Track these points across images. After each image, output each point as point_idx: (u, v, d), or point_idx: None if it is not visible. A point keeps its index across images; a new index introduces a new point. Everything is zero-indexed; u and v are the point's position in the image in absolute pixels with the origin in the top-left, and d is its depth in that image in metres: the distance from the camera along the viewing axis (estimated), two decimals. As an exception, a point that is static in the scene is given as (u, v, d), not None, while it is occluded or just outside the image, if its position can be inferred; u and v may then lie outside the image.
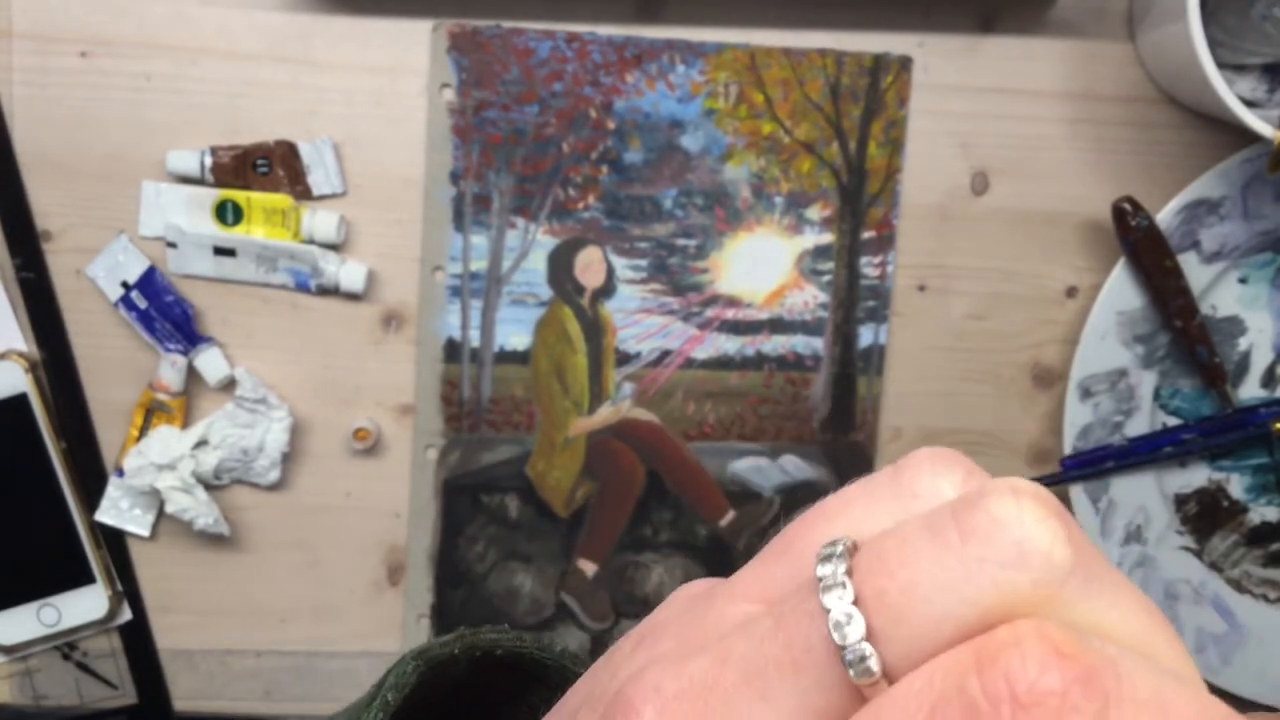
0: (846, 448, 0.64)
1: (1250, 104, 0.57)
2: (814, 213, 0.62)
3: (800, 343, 0.63)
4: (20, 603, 0.62)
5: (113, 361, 0.62)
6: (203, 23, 0.61)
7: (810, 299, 0.63)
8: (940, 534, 0.17)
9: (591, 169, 0.62)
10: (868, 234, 0.63)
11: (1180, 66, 0.57)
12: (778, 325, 0.63)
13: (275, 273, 0.62)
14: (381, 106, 0.61)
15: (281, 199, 0.61)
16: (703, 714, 0.18)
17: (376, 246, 0.62)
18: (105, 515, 0.62)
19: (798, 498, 0.64)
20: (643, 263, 0.62)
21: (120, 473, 0.62)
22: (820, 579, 0.18)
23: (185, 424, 0.62)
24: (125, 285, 0.61)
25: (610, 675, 0.20)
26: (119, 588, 0.64)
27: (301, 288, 0.62)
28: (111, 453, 0.63)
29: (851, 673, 0.17)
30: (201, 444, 0.61)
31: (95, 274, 0.62)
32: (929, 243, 0.63)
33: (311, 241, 0.61)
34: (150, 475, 0.60)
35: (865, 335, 0.63)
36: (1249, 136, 0.55)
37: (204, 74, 0.61)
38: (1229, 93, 0.54)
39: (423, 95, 0.61)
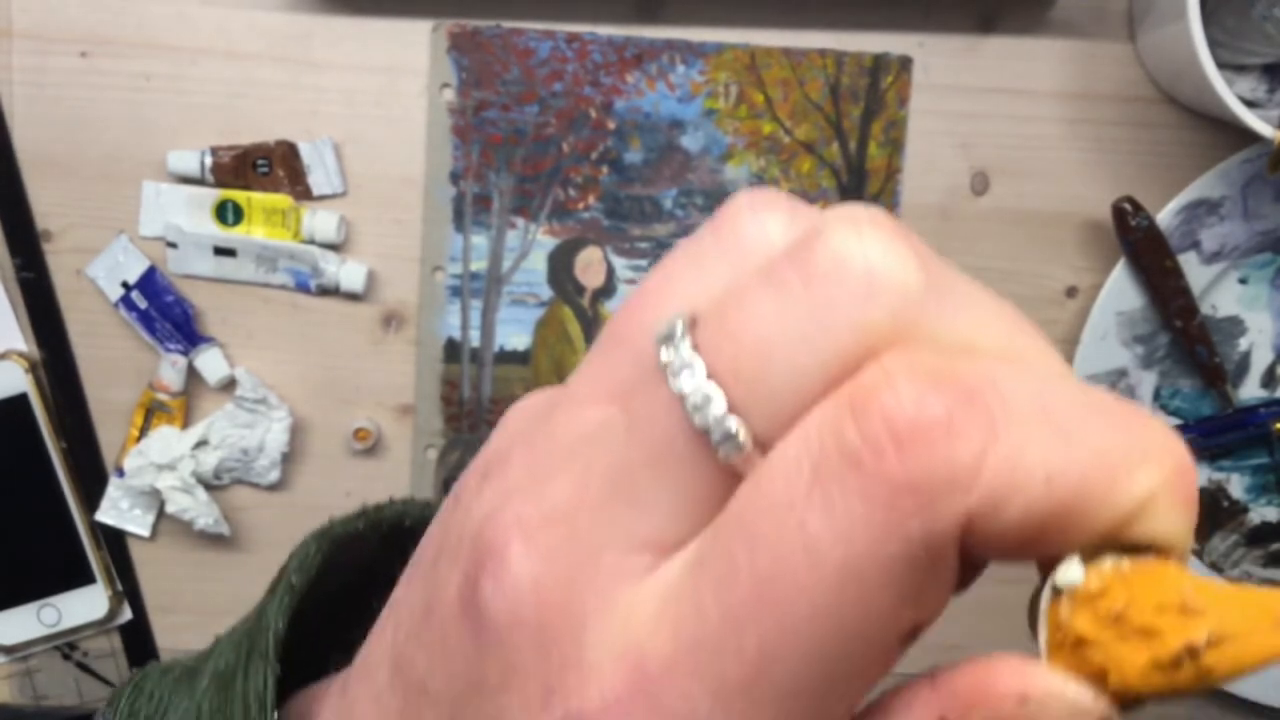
0: (846, 448, 0.64)
1: (1250, 104, 0.57)
2: (814, 213, 0.62)
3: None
4: (20, 603, 0.62)
5: (113, 361, 0.62)
6: (203, 23, 0.61)
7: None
8: (782, 284, 0.16)
9: (591, 169, 0.62)
10: (868, 234, 0.62)
11: (1180, 66, 0.57)
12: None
13: (275, 273, 0.62)
14: (381, 106, 0.61)
15: (281, 199, 0.61)
16: (573, 538, 0.16)
17: (376, 246, 0.62)
18: (105, 515, 0.62)
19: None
20: (643, 263, 0.62)
21: (120, 473, 0.62)
22: (665, 364, 0.16)
23: (185, 424, 0.62)
24: (125, 285, 0.61)
25: (463, 516, 0.18)
26: (119, 588, 0.64)
27: (301, 288, 0.62)
28: (111, 453, 0.63)
29: (721, 452, 0.16)
30: (201, 444, 0.61)
31: (95, 274, 0.62)
32: (929, 242, 0.63)
33: (311, 241, 0.61)
34: (150, 475, 0.60)
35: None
36: (1249, 136, 0.55)
37: (204, 74, 0.61)
38: (1229, 93, 0.54)
39: (423, 95, 0.61)
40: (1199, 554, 0.65)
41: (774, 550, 0.15)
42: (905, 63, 0.62)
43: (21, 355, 0.61)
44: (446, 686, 0.18)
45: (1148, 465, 0.15)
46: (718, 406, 0.15)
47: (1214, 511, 0.65)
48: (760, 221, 0.17)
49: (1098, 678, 0.15)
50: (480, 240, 0.62)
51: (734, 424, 0.15)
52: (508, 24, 0.61)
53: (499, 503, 0.17)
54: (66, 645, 0.64)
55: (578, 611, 0.16)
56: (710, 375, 0.16)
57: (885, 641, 0.15)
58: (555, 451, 0.17)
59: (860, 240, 0.16)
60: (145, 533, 0.63)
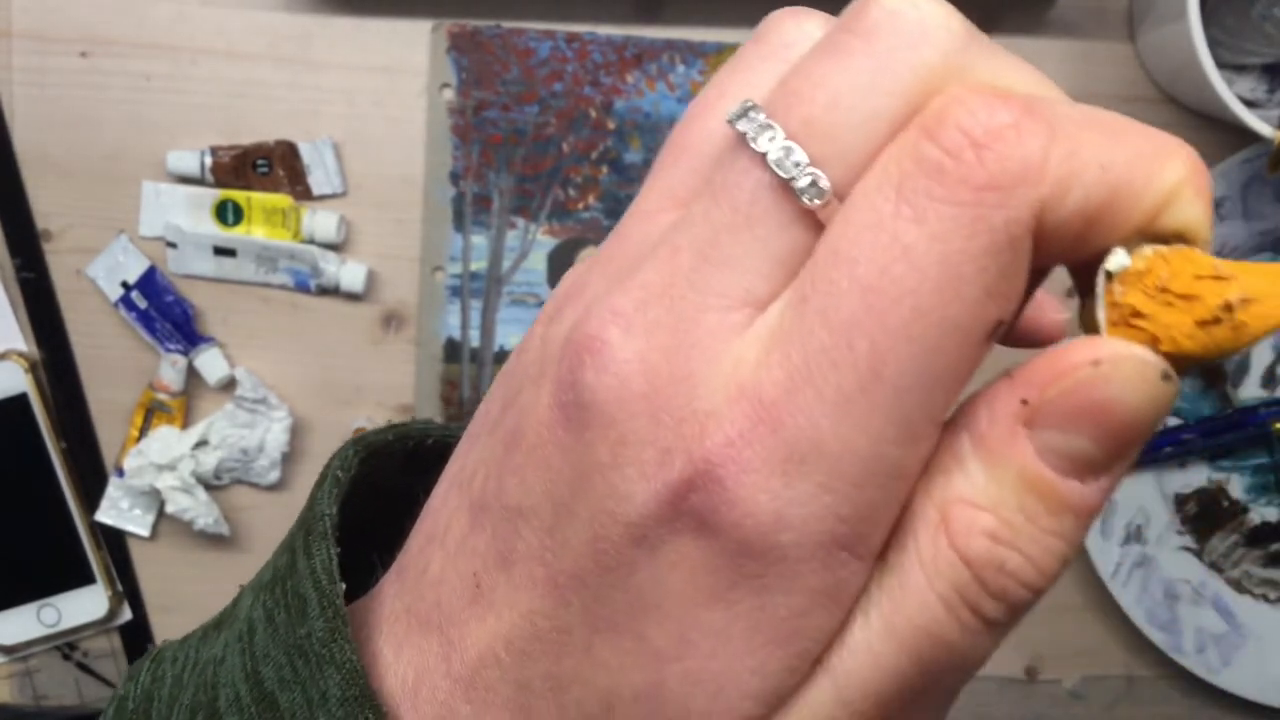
0: (846, 448, 0.64)
1: (1250, 104, 0.57)
2: (814, 213, 0.62)
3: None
4: (20, 603, 0.62)
5: (113, 361, 0.62)
6: (203, 23, 0.61)
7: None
8: (841, 47, 0.17)
9: (591, 169, 0.62)
10: (868, 234, 0.62)
11: (1180, 66, 0.57)
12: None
13: (275, 273, 0.62)
14: (381, 106, 0.61)
15: (281, 199, 0.61)
16: (671, 309, 0.17)
17: (376, 246, 0.62)
18: (105, 515, 0.62)
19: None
20: (643, 263, 0.62)
21: (120, 473, 0.62)
22: (743, 133, 0.17)
23: (185, 424, 0.62)
24: (125, 285, 0.61)
25: (539, 346, 0.19)
26: (119, 588, 0.64)
27: (301, 288, 0.62)
28: (111, 453, 0.63)
29: (805, 199, 0.17)
30: (201, 444, 0.61)
31: (95, 274, 0.62)
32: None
33: (311, 241, 0.61)
34: (150, 475, 0.60)
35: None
36: (1249, 136, 0.55)
37: (204, 74, 0.61)
38: (1229, 93, 0.54)
39: (423, 95, 0.61)
40: (1199, 554, 0.65)
41: (873, 263, 0.16)
42: (905, 63, 0.62)
43: (21, 355, 0.61)
44: (547, 493, 0.18)
45: (1174, 160, 0.17)
46: (799, 156, 0.17)
47: (1214, 511, 0.65)
48: (799, 24, 0.19)
49: (1152, 345, 0.17)
50: (480, 240, 0.62)
51: (816, 171, 0.17)
52: (508, 24, 0.61)
53: (583, 313, 0.18)
54: (66, 645, 0.64)
55: (685, 374, 0.17)
56: (789, 135, 0.17)
57: (976, 334, 0.16)
58: (633, 253, 0.18)
59: (911, 0, 0.17)
60: (145, 533, 0.63)
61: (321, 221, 0.61)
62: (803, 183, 0.17)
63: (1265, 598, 0.65)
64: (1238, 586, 0.65)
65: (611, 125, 0.61)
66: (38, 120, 0.61)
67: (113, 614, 0.63)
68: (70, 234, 0.62)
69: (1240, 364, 0.64)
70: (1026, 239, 0.16)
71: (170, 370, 0.61)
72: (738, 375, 0.17)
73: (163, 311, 0.61)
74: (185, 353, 0.62)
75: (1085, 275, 0.18)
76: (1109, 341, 0.17)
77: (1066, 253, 0.17)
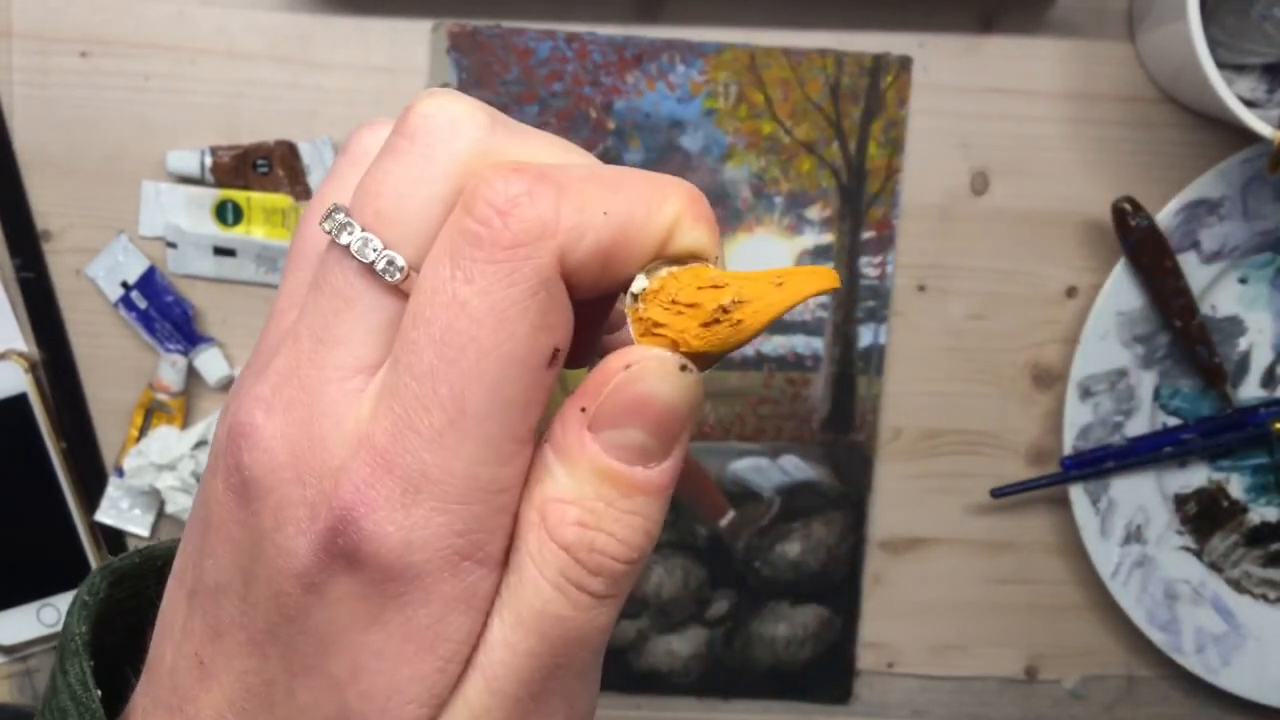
0: (846, 448, 0.64)
1: (1250, 104, 0.57)
2: (814, 213, 0.62)
3: (800, 343, 0.63)
4: (20, 603, 0.62)
5: (113, 361, 0.62)
6: (203, 23, 0.61)
7: (810, 299, 0.63)
8: (395, 148, 0.21)
9: (591, 169, 0.62)
10: (867, 234, 0.63)
11: (1180, 66, 0.57)
12: (777, 325, 0.63)
13: (275, 273, 0.62)
14: (381, 107, 0.61)
15: (281, 199, 0.61)
16: (301, 387, 0.20)
17: (376, 246, 0.62)
18: (105, 515, 0.62)
19: (798, 497, 0.64)
20: (643, 263, 0.62)
21: (120, 473, 0.62)
22: (329, 232, 0.21)
23: (185, 424, 0.62)
24: (125, 285, 0.61)
25: (214, 436, 0.23)
26: (119, 588, 0.63)
27: (301, 288, 0.62)
28: (111, 453, 0.63)
29: (387, 276, 0.20)
30: (201, 444, 0.61)
31: (95, 274, 0.62)
32: (929, 243, 0.63)
33: (311, 241, 0.61)
34: (150, 475, 0.60)
35: (865, 335, 0.63)
36: (1249, 136, 0.55)
37: (204, 74, 0.61)
38: (1229, 93, 0.54)
39: (423, 95, 0.61)
40: (1198, 554, 0.65)
41: (440, 320, 0.20)
42: (905, 63, 0.62)
43: (21, 355, 0.61)
44: (235, 565, 0.21)
45: (670, 197, 0.21)
46: (376, 242, 0.20)
47: (1214, 511, 0.65)
48: (375, 133, 0.23)
49: (672, 348, 0.21)
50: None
51: (391, 254, 0.20)
52: (508, 24, 0.61)
53: (235, 405, 0.21)
54: (66, 645, 0.64)
55: (319, 437, 0.20)
56: (365, 228, 0.21)
57: (535, 362, 0.20)
58: (270, 350, 0.22)
59: (438, 100, 0.21)
60: (145, 533, 0.63)
61: (321, 221, 0.61)
62: (381, 264, 0.20)
63: (1265, 598, 0.65)
64: (1238, 586, 0.65)
65: (611, 125, 0.61)
66: (38, 120, 0.61)
67: (113, 614, 0.63)
68: (70, 234, 0.62)
69: (1240, 364, 0.64)
70: (556, 280, 0.20)
71: (170, 370, 0.61)
72: (358, 430, 0.20)
73: (163, 311, 0.61)
74: (185, 353, 0.62)
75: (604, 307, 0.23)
76: (635, 348, 0.21)
77: (599, 284, 0.21)
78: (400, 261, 0.20)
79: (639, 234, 0.21)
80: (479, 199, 0.20)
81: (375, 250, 0.20)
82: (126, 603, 0.26)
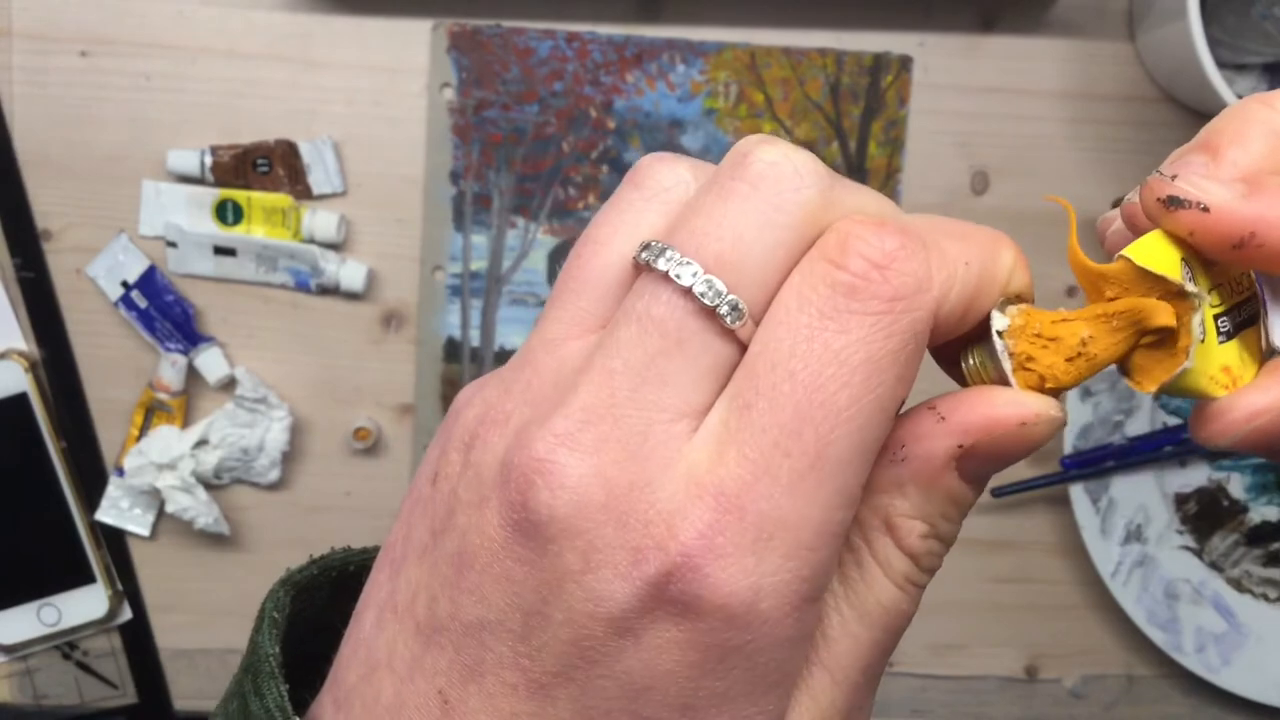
0: (846, 447, 0.64)
1: (1250, 103, 0.57)
2: (814, 212, 0.62)
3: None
4: (20, 603, 0.62)
5: (113, 361, 0.62)
6: (203, 22, 0.61)
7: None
8: (735, 193, 0.21)
9: (591, 168, 0.62)
10: (868, 233, 0.62)
11: (1180, 66, 0.57)
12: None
13: (275, 272, 0.62)
14: (381, 106, 0.61)
15: (281, 198, 0.61)
16: (618, 426, 0.20)
17: (376, 246, 0.62)
18: (105, 515, 0.62)
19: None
20: (643, 262, 0.62)
21: (120, 472, 0.62)
22: (664, 271, 0.20)
23: (185, 424, 0.62)
24: (125, 285, 0.61)
25: (464, 474, 0.21)
26: (119, 588, 0.64)
27: (301, 287, 0.62)
28: (111, 453, 0.63)
29: (728, 320, 0.20)
30: (201, 444, 0.61)
31: (95, 274, 0.62)
32: (929, 242, 0.63)
33: (311, 241, 0.61)
34: (150, 475, 0.60)
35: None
36: (1249, 136, 0.55)
37: (204, 74, 0.61)
38: (1229, 92, 0.54)
39: (423, 95, 0.61)
40: (1199, 553, 0.65)
41: (810, 369, 0.20)
42: (905, 62, 0.62)
43: (21, 355, 0.61)
44: (513, 605, 0.20)
45: (1007, 246, 0.22)
46: (719, 285, 0.20)
47: (1214, 511, 0.65)
48: (673, 170, 0.22)
49: (1041, 384, 0.22)
50: (480, 240, 0.62)
51: (735, 298, 0.20)
52: (508, 24, 0.61)
53: (517, 439, 0.20)
54: (66, 645, 0.64)
55: (644, 481, 0.20)
56: (706, 270, 0.20)
57: (892, 411, 0.21)
58: (551, 380, 0.21)
59: (780, 150, 0.21)
60: (145, 532, 0.63)
61: (321, 221, 0.61)
62: (724, 308, 0.20)
63: (1265, 597, 0.65)
64: (1238, 586, 0.65)
65: (611, 125, 0.61)
66: (38, 120, 0.61)
67: (113, 614, 0.63)
68: (70, 234, 0.62)
69: (1240, 363, 0.64)
70: (926, 333, 0.21)
71: (170, 370, 0.61)
72: (694, 475, 0.20)
73: (163, 311, 0.61)
74: (185, 352, 0.62)
75: (948, 348, 0.23)
76: (1031, 400, 0.21)
77: (956, 330, 0.22)
78: (743, 306, 0.20)
79: (991, 282, 0.22)
80: (852, 252, 0.20)
81: (719, 294, 0.20)
82: (302, 614, 0.25)
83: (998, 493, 0.63)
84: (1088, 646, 0.66)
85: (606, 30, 0.61)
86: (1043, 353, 0.22)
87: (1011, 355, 0.22)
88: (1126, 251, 0.21)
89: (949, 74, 0.62)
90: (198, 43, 0.61)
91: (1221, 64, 0.55)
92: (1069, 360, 0.22)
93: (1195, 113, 0.62)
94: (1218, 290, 0.22)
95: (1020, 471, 0.64)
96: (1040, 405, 0.21)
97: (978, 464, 0.22)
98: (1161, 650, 0.63)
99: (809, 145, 0.62)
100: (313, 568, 0.26)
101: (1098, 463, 0.62)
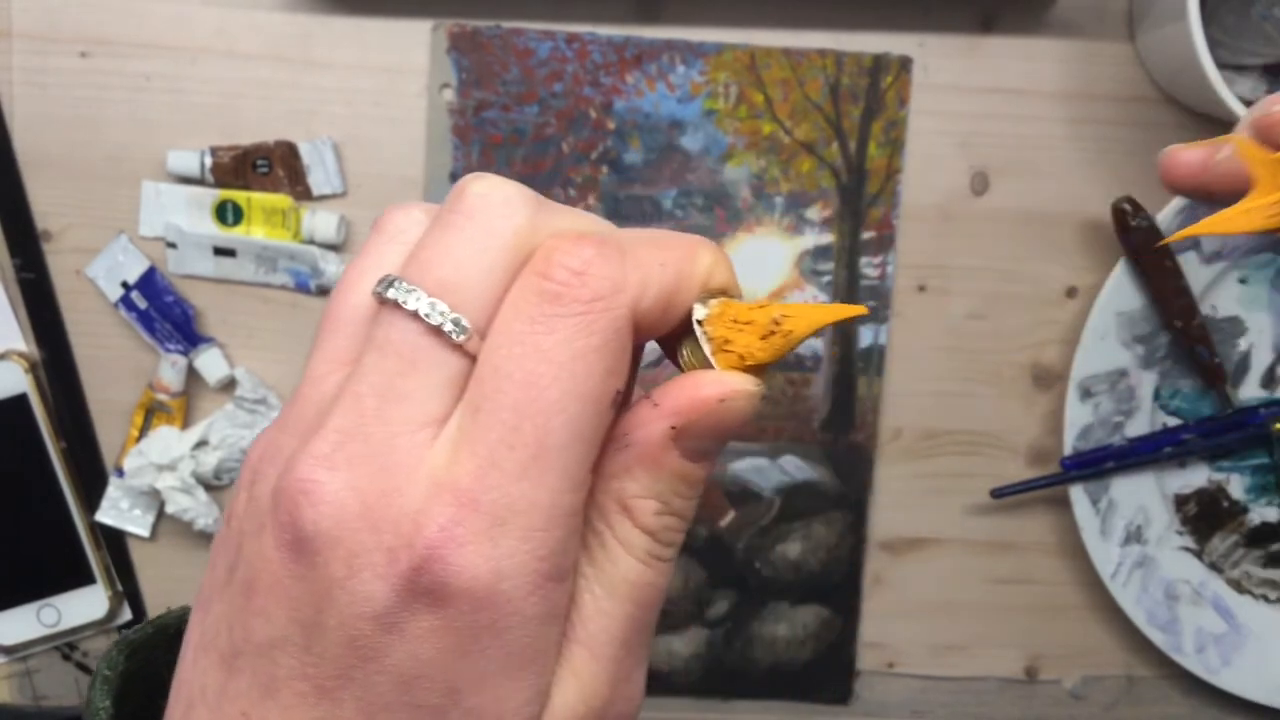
0: (846, 448, 0.64)
1: (1250, 104, 0.57)
2: (814, 213, 0.62)
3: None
4: (20, 603, 0.62)
5: (113, 361, 0.62)
6: (203, 23, 0.61)
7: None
8: (452, 225, 0.23)
9: (591, 169, 0.62)
10: (868, 234, 0.63)
11: (1180, 66, 0.57)
12: (778, 325, 0.63)
13: (275, 273, 0.62)
14: (381, 106, 0.61)
15: (281, 199, 0.61)
16: (367, 443, 0.22)
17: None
18: (105, 515, 0.62)
19: (798, 498, 0.64)
20: (643, 263, 0.62)
21: (120, 473, 0.62)
22: (394, 300, 0.23)
23: (185, 424, 0.62)
24: (125, 285, 0.61)
25: (247, 509, 0.24)
26: (119, 588, 0.64)
27: (301, 288, 0.62)
28: (111, 453, 0.63)
29: (454, 336, 0.22)
30: (202, 444, 0.61)
31: (95, 274, 0.62)
32: (929, 243, 0.63)
33: (311, 242, 0.61)
34: (150, 475, 0.60)
35: (865, 335, 0.63)
36: (1249, 136, 0.55)
37: (204, 74, 0.61)
38: (1229, 93, 0.54)
39: (423, 95, 0.61)
40: (1199, 554, 0.65)
41: (524, 368, 0.22)
42: (905, 63, 0.62)
43: (21, 355, 0.61)
44: (293, 620, 0.22)
45: (702, 248, 0.25)
46: (443, 306, 0.22)
47: (1214, 512, 0.65)
48: (408, 214, 0.25)
49: (741, 363, 0.25)
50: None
51: (458, 315, 0.23)
52: (508, 24, 0.61)
53: (285, 465, 0.22)
54: (66, 645, 0.64)
55: (392, 488, 0.22)
56: (430, 294, 0.23)
57: (604, 403, 0.23)
58: (313, 411, 0.23)
59: (489, 183, 0.24)
60: (145, 533, 0.63)
61: (321, 221, 0.61)
62: (449, 326, 0.22)
63: (1265, 598, 0.65)
64: (1238, 587, 0.65)
65: (611, 125, 0.61)
66: (38, 120, 0.61)
67: (113, 614, 0.63)
68: (70, 234, 0.62)
69: (1240, 364, 0.64)
70: (627, 329, 0.23)
71: (170, 370, 0.61)
72: (435, 476, 0.22)
73: (163, 312, 0.61)
74: (185, 353, 0.62)
75: (668, 344, 0.26)
76: (728, 378, 0.24)
77: (658, 326, 0.24)
78: (465, 322, 0.22)
79: (689, 280, 0.24)
80: (554, 264, 0.22)
81: (443, 314, 0.22)
82: (140, 673, 0.27)
83: (997, 494, 0.63)
84: (1088, 647, 0.66)
85: (606, 31, 0.61)
86: (739, 335, 0.25)
87: (710, 340, 0.25)
88: None
89: (949, 74, 0.62)
90: (198, 43, 0.61)
91: (1221, 64, 0.55)
92: (764, 339, 0.24)
93: (1195, 113, 0.62)
94: None
95: (1020, 472, 0.64)
96: (737, 382, 0.24)
97: (694, 441, 0.24)
98: (1161, 651, 0.63)
99: (809, 145, 0.62)
100: (148, 627, 0.28)
101: (1098, 464, 0.62)
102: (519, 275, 0.23)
